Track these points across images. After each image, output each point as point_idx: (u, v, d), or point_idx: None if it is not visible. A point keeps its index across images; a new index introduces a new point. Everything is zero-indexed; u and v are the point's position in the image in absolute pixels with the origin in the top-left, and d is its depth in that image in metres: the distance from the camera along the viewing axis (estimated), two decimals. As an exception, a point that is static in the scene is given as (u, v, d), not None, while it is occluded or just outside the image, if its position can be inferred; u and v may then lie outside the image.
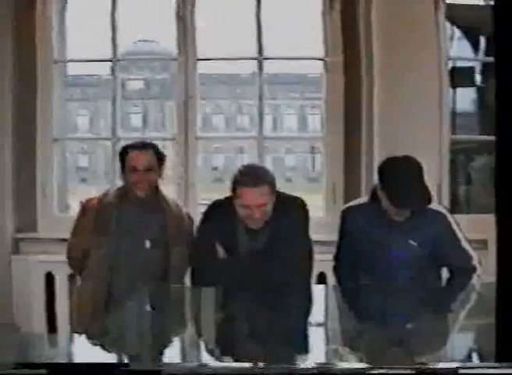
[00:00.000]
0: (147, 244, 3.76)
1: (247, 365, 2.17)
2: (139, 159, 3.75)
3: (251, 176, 3.41)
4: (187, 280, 3.76)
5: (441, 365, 2.09)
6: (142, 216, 3.78)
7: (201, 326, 3.07)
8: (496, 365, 1.94)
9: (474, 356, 2.58)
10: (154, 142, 3.94)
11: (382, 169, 3.35)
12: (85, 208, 3.88)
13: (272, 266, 3.35)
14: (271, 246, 3.42)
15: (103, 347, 2.44)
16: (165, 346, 2.66)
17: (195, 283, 3.55)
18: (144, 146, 3.82)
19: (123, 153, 3.83)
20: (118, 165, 3.93)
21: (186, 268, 3.78)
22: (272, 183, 3.41)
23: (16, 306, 4.88)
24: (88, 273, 3.80)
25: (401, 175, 3.27)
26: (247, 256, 3.44)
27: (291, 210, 3.48)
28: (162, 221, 3.79)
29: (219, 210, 3.55)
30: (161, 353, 2.56)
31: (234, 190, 3.41)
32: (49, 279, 4.85)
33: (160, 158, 3.81)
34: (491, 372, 1.94)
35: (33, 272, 4.85)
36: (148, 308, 3.22)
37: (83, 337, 2.66)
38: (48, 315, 4.87)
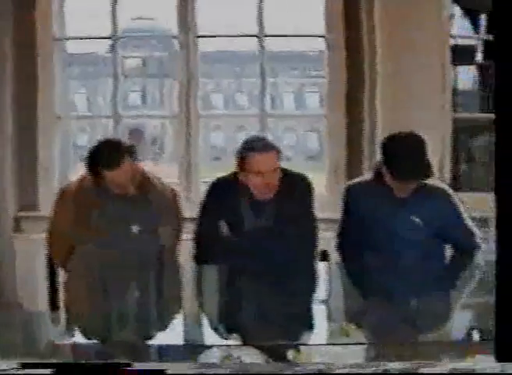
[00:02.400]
0: (134, 229, 3.50)
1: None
2: (114, 179, 3.39)
3: (261, 142, 3.41)
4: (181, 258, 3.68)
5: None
6: (125, 200, 3.47)
7: (206, 305, 3.08)
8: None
9: (475, 334, 2.59)
10: (127, 144, 3.46)
11: (386, 144, 3.35)
12: (63, 196, 3.60)
13: (278, 244, 3.34)
14: (276, 223, 3.40)
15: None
16: (166, 327, 2.67)
17: (199, 262, 3.51)
18: (117, 161, 3.34)
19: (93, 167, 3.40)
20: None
21: (176, 247, 3.62)
22: (279, 150, 3.39)
23: (19, 284, 4.89)
24: (77, 271, 3.54)
25: (404, 149, 3.27)
26: (252, 234, 3.41)
27: (297, 187, 3.46)
28: (147, 203, 3.51)
29: (223, 187, 3.51)
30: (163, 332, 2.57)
31: (243, 158, 3.35)
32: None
33: (134, 157, 3.42)
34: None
35: (35, 250, 4.85)
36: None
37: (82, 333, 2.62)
38: (51, 292, 4.87)
